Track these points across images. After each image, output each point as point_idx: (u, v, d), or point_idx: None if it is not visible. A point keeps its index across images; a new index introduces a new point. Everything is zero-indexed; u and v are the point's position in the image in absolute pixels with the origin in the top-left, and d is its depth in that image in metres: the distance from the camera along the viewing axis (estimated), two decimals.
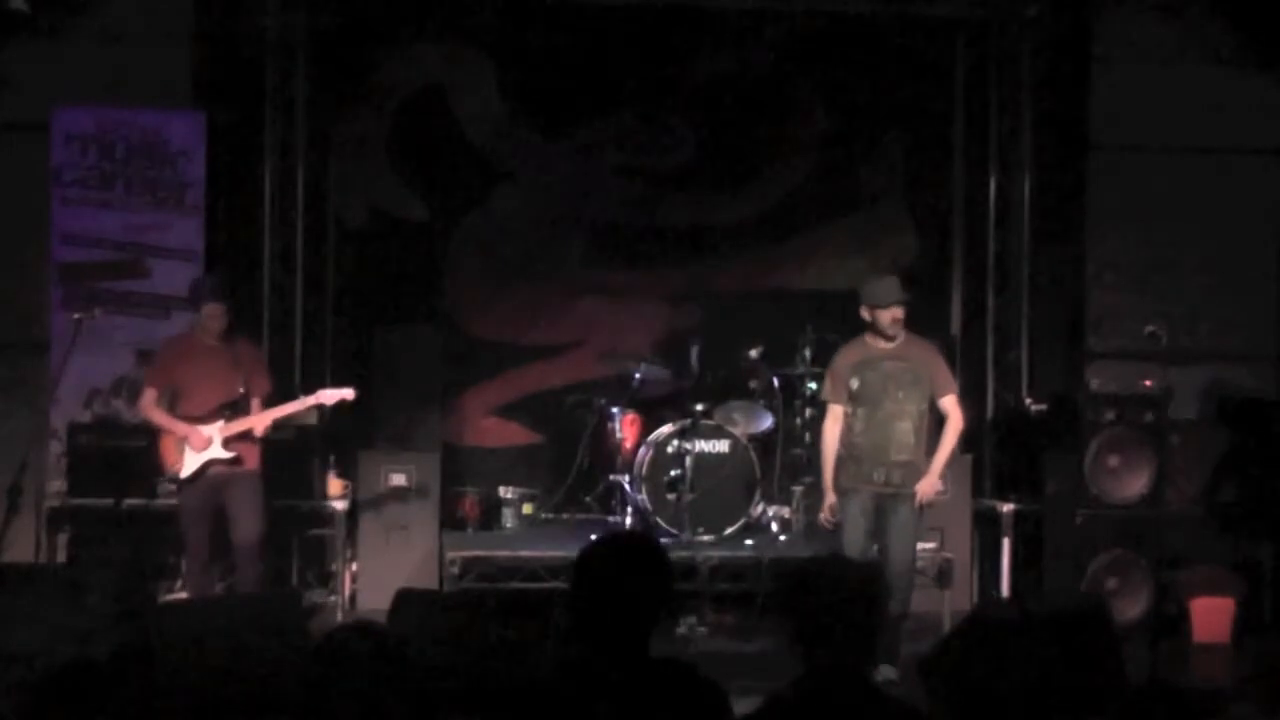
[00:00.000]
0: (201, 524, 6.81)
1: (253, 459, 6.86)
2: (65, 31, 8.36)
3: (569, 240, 9.16)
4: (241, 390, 6.80)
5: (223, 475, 6.78)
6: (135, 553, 7.41)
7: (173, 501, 7.09)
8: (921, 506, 6.59)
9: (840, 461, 6.63)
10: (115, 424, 7.93)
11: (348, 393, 6.94)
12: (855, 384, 6.58)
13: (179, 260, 8.21)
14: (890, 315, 6.51)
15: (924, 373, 6.60)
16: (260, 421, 6.79)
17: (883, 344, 6.59)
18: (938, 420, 6.70)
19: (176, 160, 8.24)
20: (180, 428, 6.76)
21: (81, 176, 8.16)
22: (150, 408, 6.87)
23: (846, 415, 6.62)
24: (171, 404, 6.87)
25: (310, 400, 6.93)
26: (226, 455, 6.75)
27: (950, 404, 6.68)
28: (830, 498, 6.65)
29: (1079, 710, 5.07)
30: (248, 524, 6.80)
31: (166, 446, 6.83)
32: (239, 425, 6.75)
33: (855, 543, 6.49)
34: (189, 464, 6.75)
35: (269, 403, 6.94)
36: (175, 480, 6.84)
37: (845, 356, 6.69)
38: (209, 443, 6.73)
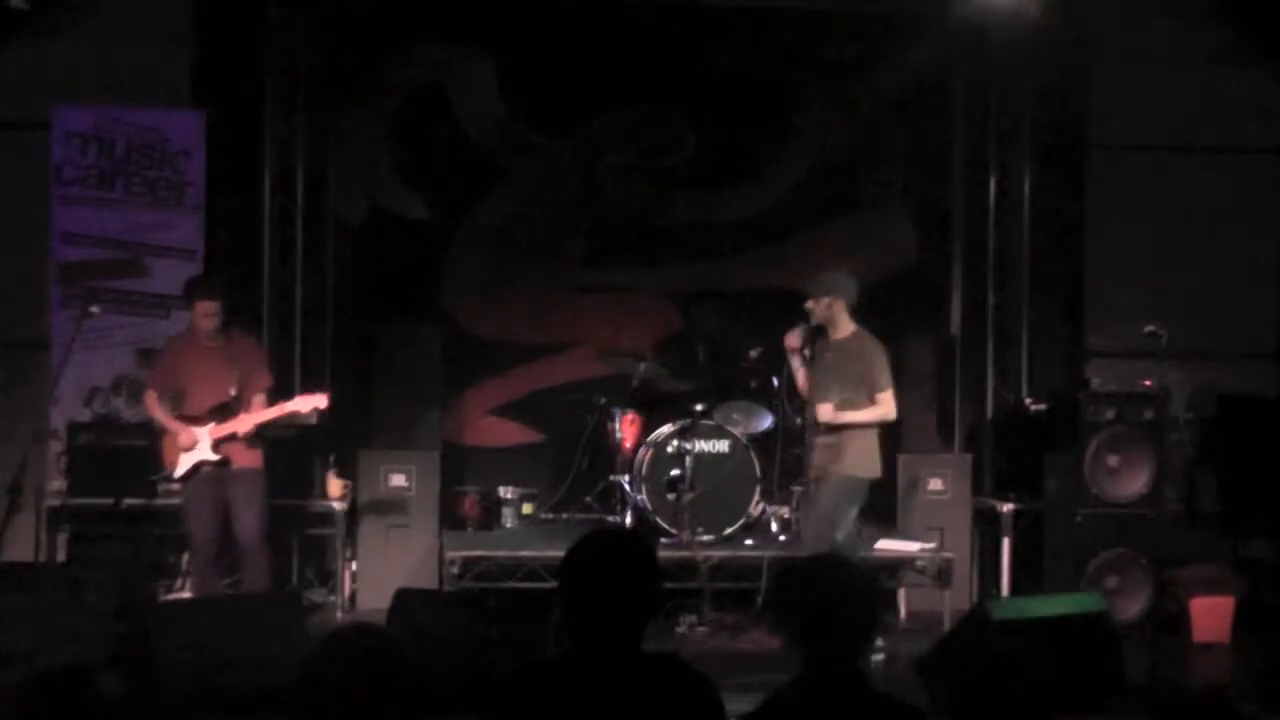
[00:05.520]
0: (205, 521, 6.82)
1: (249, 458, 6.84)
2: (65, 31, 8.36)
3: (569, 240, 9.16)
4: (233, 391, 6.79)
5: (223, 473, 6.80)
6: (135, 552, 7.42)
7: (173, 501, 7.10)
8: (849, 487, 6.75)
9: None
10: (115, 423, 7.94)
11: (320, 400, 6.94)
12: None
13: (178, 259, 8.21)
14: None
15: (858, 365, 6.78)
16: (244, 424, 6.76)
17: (833, 335, 6.87)
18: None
19: (176, 159, 8.24)
20: (173, 426, 6.81)
21: (81, 175, 8.17)
22: (153, 407, 6.94)
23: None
24: (176, 403, 6.90)
25: (289, 406, 6.88)
26: (214, 457, 6.77)
27: (883, 399, 6.82)
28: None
29: (1079, 710, 5.07)
30: (248, 522, 6.83)
31: (168, 445, 6.87)
32: (226, 427, 6.76)
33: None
34: (182, 464, 6.80)
35: (271, 397, 6.94)
36: (170, 479, 6.88)
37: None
38: (196, 443, 6.75)
